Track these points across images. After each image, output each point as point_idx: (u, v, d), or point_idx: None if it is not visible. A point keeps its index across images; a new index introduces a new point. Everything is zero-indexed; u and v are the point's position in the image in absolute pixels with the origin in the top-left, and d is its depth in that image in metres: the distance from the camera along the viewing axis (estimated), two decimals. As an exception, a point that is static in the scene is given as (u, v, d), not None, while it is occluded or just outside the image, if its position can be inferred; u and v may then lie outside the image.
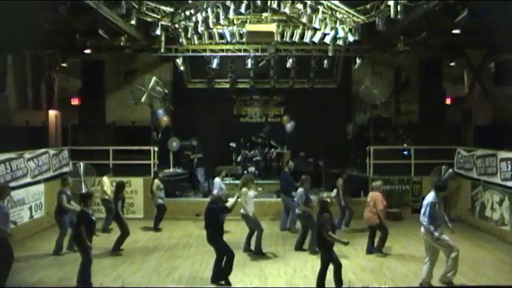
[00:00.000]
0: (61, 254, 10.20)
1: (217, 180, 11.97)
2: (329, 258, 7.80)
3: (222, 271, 8.38)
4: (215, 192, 11.73)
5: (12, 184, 11.08)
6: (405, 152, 14.93)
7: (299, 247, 10.60)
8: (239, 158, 16.07)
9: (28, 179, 11.82)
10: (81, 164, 13.74)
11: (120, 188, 10.88)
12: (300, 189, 10.63)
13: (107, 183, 12.34)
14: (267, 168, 15.97)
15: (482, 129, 15.80)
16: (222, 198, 8.86)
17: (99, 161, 14.20)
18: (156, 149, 14.69)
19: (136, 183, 13.93)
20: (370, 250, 10.31)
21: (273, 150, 16.29)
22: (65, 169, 13.95)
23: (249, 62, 15.61)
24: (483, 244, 11.03)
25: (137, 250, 10.59)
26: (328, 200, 8.06)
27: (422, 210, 8.11)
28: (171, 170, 15.59)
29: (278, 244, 11.18)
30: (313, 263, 9.67)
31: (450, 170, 13.82)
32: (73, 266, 9.45)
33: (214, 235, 8.40)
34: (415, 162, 14.47)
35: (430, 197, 8.14)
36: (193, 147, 15.72)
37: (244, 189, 10.21)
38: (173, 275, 8.98)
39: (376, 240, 10.38)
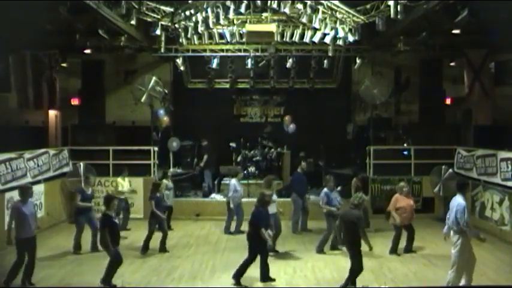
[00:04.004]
0: (80, 253, 10.20)
1: (233, 181, 12.13)
2: (354, 258, 7.82)
3: (265, 269, 8.49)
4: (230, 194, 12.07)
5: (12, 184, 11.11)
6: (405, 152, 14.94)
7: (335, 246, 10.57)
8: (239, 158, 16.06)
9: (28, 179, 11.80)
10: (81, 164, 13.76)
11: (155, 187, 10.92)
12: (323, 190, 10.66)
13: (122, 182, 12.52)
14: (267, 168, 15.96)
15: (482, 129, 15.78)
16: (266, 198, 8.69)
17: (99, 161, 14.23)
18: (156, 149, 14.69)
19: (136, 183, 13.90)
20: (407, 249, 10.42)
21: (272, 150, 16.28)
22: (65, 169, 13.96)
23: (249, 62, 15.60)
24: (483, 244, 10.95)
25: (137, 250, 10.57)
26: (356, 200, 8.12)
27: (455, 215, 7.75)
28: (171, 170, 15.59)
29: (278, 244, 11.14)
30: (313, 263, 9.70)
31: (450, 170, 13.82)
32: (73, 266, 9.50)
33: (252, 234, 8.46)
34: (415, 162, 14.46)
35: (460, 199, 7.81)
36: (197, 148, 15.81)
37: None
38: (173, 275, 8.99)
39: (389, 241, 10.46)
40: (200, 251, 10.70)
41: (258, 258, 8.45)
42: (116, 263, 8.11)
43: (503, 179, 11.55)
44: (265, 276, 8.54)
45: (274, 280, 8.56)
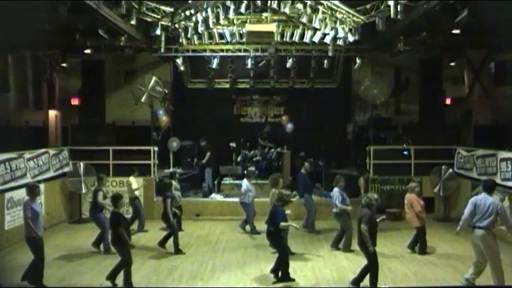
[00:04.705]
0: (112, 253, 9.98)
1: (245, 181, 12.29)
2: (368, 257, 7.85)
3: (279, 268, 8.59)
4: (242, 191, 12.28)
5: (12, 184, 11.12)
6: (405, 152, 14.93)
7: (336, 245, 10.64)
8: (239, 158, 16.08)
9: (28, 179, 11.80)
10: (81, 164, 13.76)
11: (167, 187, 10.94)
12: (336, 189, 10.67)
13: (134, 182, 12.59)
14: (267, 168, 15.97)
15: (482, 129, 15.80)
16: (285, 197, 8.89)
17: (99, 161, 14.23)
18: (156, 149, 14.69)
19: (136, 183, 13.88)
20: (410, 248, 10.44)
21: (272, 150, 16.29)
22: (65, 169, 13.96)
23: (249, 62, 15.59)
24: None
25: (137, 250, 10.56)
26: (363, 200, 8.18)
27: (495, 215, 7.67)
28: (171, 170, 15.58)
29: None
30: (313, 263, 9.71)
31: (450, 170, 13.82)
32: (73, 266, 9.51)
33: (273, 233, 8.59)
34: (415, 162, 14.46)
35: (493, 199, 7.75)
36: (196, 148, 15.89)
37: (273, 190, 10.26)
38: (173, 275, 8.99)
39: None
40: (200, 251, 10.70)
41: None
42: (128, 262, 8.15)
43: (503, 179, 11.55)
44: (275, 270, 8.64)
45: (277, 281, 8.57)
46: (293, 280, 8.58)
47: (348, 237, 10.45)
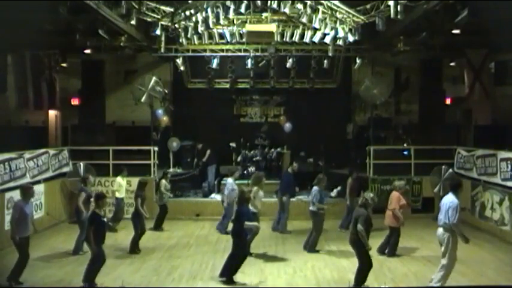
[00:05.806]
0: (81, 254, 10.14)
1: (230, 180, 12.11)
2: (359, 256, 7.85)
3: (229, 266, 8.51)
4: (226, 192, 12.00)
5: (12, 184, 11.12)
6: (405, 152, 14.93)
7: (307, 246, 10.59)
8: (239, 158, 16.09)
9: (28, 179, 11.80)
10: (81, 164, 13.77)
11: (142, 185, 10.88)
12: (315, 188, 10.61)
13: (119, 182, 12.62)
14: (267, 168, 15.97)
15: (482, 129, 15.80)
16: (246, 195, 8.77)
17: (99, 161, 14.23)
18: (156, 149, 14.69)
19: (136, 183, 13.87)
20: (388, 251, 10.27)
21: (272, 150, 16.29)
22: (65, 169, 13.95)
23: (249, 62, 15.61)
24: (483, 244, 11.01)
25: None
26: (360, 200, 8.17)
27: (446, 213, 7.67)
28: (171, 170, 15.61)
29: (278, 244, 11.18)
30: (313, 263, 9.70)
31: (450, 170, 13.82)
32: (73, 266, 9.50)
33: (237, 231, 8.54)
34: (415, 162, 14.44)
35: (453, 198, 7.76)
36: (196, 150, 15.98)
37: (255, 188, 10.26)
38: (173, 275, 8.99)
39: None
40: (200, 251, 10.70)
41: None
42: (98, 262, 8.10)
43: (503, 179, 11.54)
44: (224, 273, 8.53)
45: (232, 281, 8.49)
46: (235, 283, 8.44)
47: (314, 238, 10.43)
